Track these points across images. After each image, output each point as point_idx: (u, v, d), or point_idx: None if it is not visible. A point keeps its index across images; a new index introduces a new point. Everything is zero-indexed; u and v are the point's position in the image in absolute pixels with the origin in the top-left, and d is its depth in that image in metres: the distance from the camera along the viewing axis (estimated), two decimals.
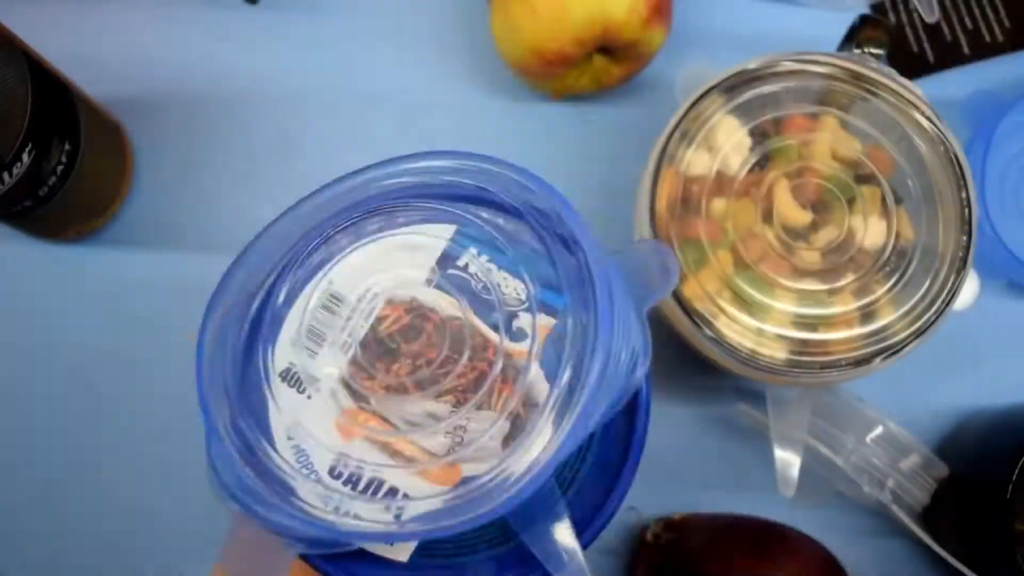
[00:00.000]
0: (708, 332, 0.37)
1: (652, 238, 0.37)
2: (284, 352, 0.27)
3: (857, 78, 0.39)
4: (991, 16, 0.50)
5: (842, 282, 0.37)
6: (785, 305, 0.37)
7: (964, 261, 0.37)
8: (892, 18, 0.50)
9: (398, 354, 0.27)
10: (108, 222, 0.47)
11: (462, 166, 0.28)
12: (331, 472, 0.26)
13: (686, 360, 0.42)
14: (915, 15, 0.50)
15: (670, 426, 0.46)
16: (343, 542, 0.26)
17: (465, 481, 0.25)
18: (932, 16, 0.49)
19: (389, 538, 0.26)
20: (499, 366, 0.26)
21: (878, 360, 0.37)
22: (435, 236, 0.28)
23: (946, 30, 0.50)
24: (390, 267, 0.28)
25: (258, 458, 0.26)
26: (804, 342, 0.37)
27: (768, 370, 0.37)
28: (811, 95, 0.39)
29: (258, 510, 0.25)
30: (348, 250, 0.28)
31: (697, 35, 0.49)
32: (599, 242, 0.27)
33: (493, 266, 0.27)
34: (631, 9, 0.41)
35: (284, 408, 0.27)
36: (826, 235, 0.38)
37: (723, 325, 0.37)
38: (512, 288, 0.27)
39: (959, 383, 0.47)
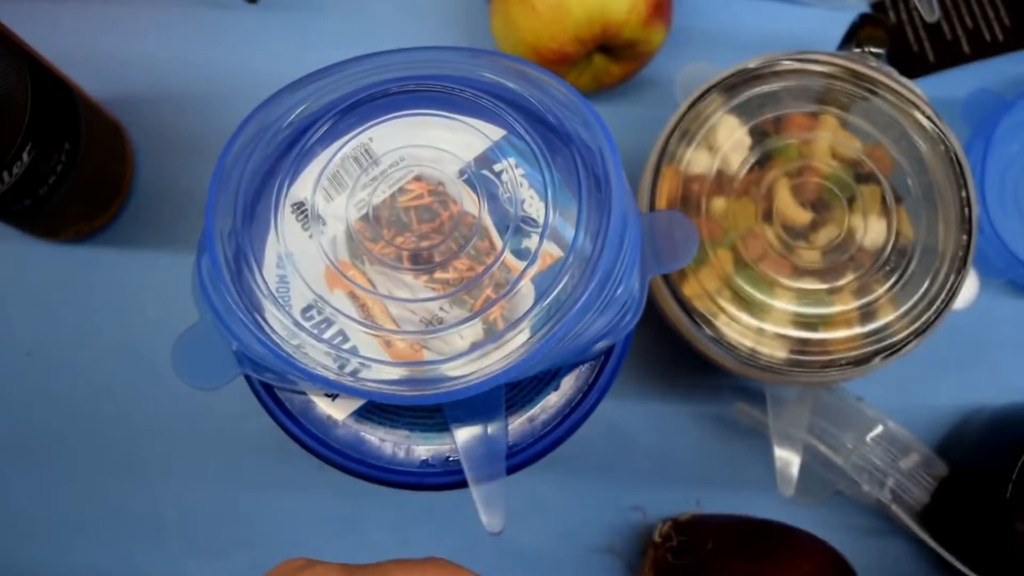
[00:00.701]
0: (708, 331, 0.37)
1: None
2: (302, 187, 0.28)
3: (857, 77, 0.39)
4: (991, 15, 0.50)
5: (842, 281, 0.37)
6: (785, 304, 0.37)
7: (964, 260, 0.37)
8: (892, 17, 0.50)
9: (407, 228, 0.28)
10: (108, 222, 0.47)
11: (527, 75, 0.29)
12: (304, 312, 0.27)
13: (686, 360, 0.42)
14: (915, 14, 0.50)
15: (670, 425, 0.46)
16: (290, 379, 0.26)
17: (423, 363, 0.26)
18: (932, 15, 0.49)
19: (337, 387, 0.26)
20: (492, 269, 0.27)
21: (878, 359, 0.37)
22: (483, 134, 0.29)
23: (946, 29, 0.50)
24: (431, 147, 0.28)
25: (242, 271, 0.27)
26: (804, 341, 0.37)
27: (768, 369, 0.37)
28: (811, 94, 0.39)
29: (225, 320, 0.26)
30: (398, 114, 0.29)
31: (697, 34, 0.49)
32: (630, 194, 0.27)
33: (525, 182, 0.28)
34: (631, 8, 0.41)
35: (283, 237, 0.27)
36: (826, 234, 0.38)
37: (723, 324, 0.37)
38: (535, 208, 0.28)
39: (959, 382, 0.47)
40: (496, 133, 0.29)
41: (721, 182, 0.38)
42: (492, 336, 0.26)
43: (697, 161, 0.38)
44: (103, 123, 0.45)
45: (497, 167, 0.28)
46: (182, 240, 0.47)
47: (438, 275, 0.27)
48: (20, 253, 0.46)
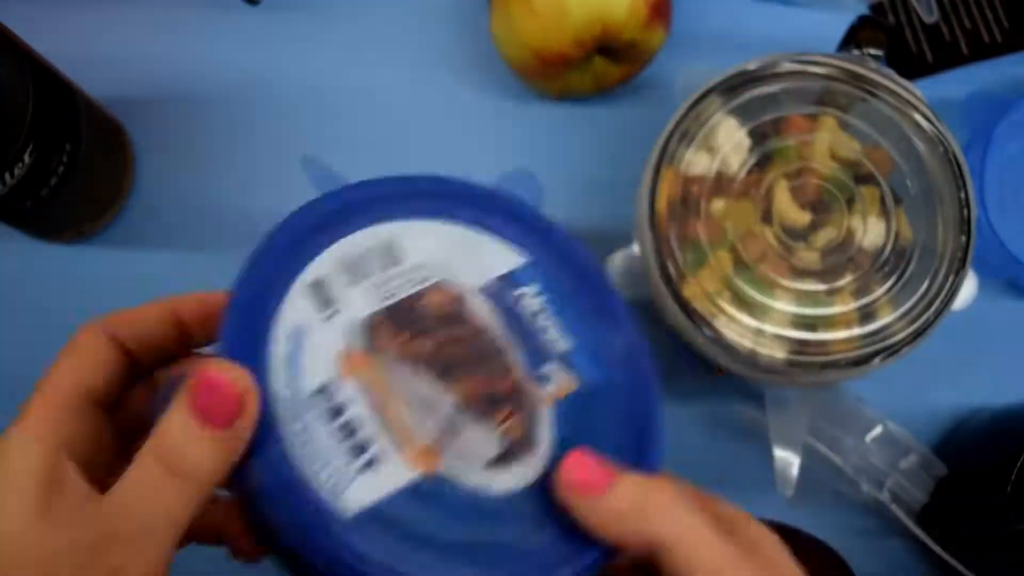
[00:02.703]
0: (708, 332, 0.37)
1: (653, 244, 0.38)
2: (320, 266, 0.26)
3: (856, 79, 0.39)
4: (990, 17, 0.50)
5: (841, 282, 0.38)
6: (784, 305, 0.37)
7: (963, 261, 0.37)
8: (891, 19, 0.50)
9: (426, 332, 0.27)
10: (108, 222, 0.47)
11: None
12: (313, 394, 0.24)
13: (686, 360, 0.42)
14: (914, 16, 0.50)
15: (669, 425, 0.46)
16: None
17: (439, 480, 0.25)
18: (931, 17, 0.49)
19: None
20: (511, 389, 0.27)
21: (877, 360, 0.37)
22: (510, 255, 0.28)
23: (945, 31, 0.50)
24: (459, 257, 0.28)
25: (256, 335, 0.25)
26: (803, 342, 0.37)
27: (768, 370, 0.37)
28: (810, 96, 0.39)
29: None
30: (429, 218, 0.28)
31: (697, 36, 0.49)
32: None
33: (547, 308, 0.28)
34: (631, 10, 0.41)
35: (297, 312, 0.25)
36: (825, 235, 0.38)
37: (722, 325, 0.37)
38: (555, 337, 0.28)
39: (958, 383, 0.47)
40: (524, 256, 0.29)
41: (721, 183, 0.38)
42: (511, 458, 0.26)
43: (697, 162, 0.39)
44: (104, 124, 0.45)
45: (518, 291, 0.28)
46: (184, 240, 0.47)
47: (455, 384, 0.26)
48: (22, 254, 0.46)
